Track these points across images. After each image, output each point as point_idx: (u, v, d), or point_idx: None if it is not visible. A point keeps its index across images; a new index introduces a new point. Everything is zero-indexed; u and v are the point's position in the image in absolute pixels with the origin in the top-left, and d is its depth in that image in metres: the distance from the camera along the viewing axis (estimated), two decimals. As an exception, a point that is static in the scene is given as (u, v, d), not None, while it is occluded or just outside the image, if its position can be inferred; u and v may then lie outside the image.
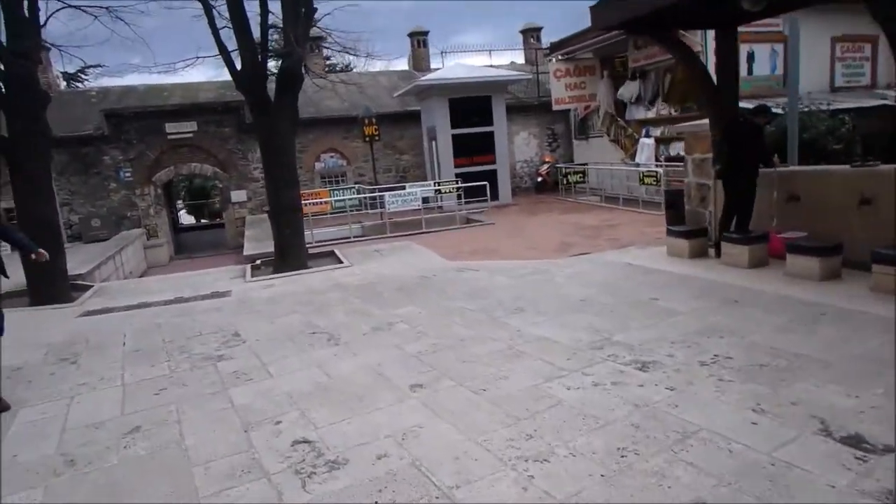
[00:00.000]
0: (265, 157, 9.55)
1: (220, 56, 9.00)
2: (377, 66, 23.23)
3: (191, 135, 16.30)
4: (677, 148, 14.93)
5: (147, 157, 16.13)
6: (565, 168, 16.83)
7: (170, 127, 16.08)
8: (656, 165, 14.09)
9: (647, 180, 13.42)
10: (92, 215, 15.79)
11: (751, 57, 13.05)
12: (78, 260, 9.72)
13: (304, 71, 9.65)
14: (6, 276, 4.15)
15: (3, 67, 8.04)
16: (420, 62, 21.59)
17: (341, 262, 9.59)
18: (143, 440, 3.45)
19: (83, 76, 23.92)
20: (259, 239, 12.58)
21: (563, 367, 3.96)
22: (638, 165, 14.80)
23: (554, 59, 17.88)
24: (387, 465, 2.88)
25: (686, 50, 7.96)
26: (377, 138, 14.61)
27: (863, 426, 2.86)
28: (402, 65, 22.61)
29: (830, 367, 3.60)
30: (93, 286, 9.31)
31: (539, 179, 18.90)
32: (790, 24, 8.67)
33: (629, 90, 16.30)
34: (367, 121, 14.33)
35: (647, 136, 15.60)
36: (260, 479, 2.88)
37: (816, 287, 5.37)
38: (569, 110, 18.89)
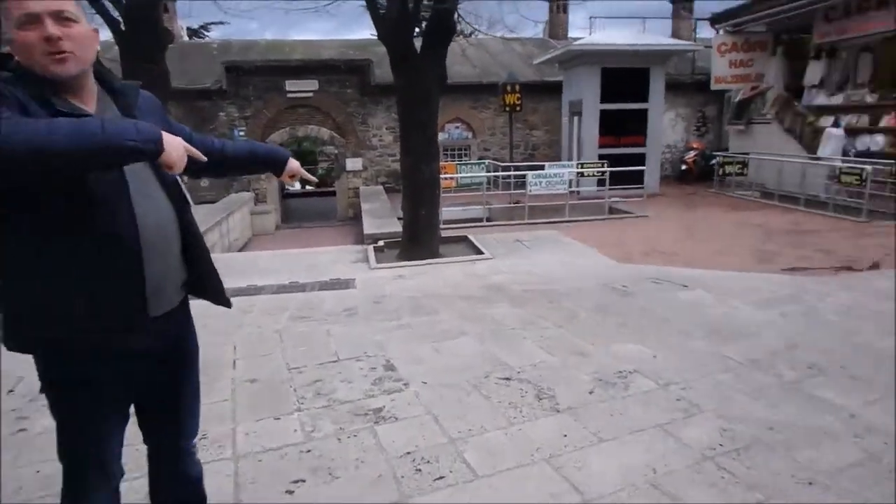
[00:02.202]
0: (404, 121, 7.95)
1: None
2: (502, 33, 20.95)
3: (311, 94, 15.05)
4: (878, 142, 12.32)
5: (263, 115, 15.08)
6: (723, 157, 14.25)
7: (290, 85, 14.89)
8: (843, 161, 11.53)
9: (846, 179, 10.82)
10: (202, 175, 14.99)
11: None
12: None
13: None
14: None
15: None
16: (558, 29, 19.30)
17: (481, 253, 7.96)
18: None
19: (205, 32, 23.53)
20: (378, 215, 11.14)
21: None
22: (819, 160, 12.28)
23: (720, 31, 15.25)
24: None
25: None
26: (518, 109, 12.66)
27: None
28: (529, 32, 20.37)
29: None
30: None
31: (683, 168, 16.49)
32: None
33: (814, 72, 13.53)
34: (509, 88, 12.41)
35: (837, 125, 12.89)
36: None
37: None
38: (724, 92, 16.24)
